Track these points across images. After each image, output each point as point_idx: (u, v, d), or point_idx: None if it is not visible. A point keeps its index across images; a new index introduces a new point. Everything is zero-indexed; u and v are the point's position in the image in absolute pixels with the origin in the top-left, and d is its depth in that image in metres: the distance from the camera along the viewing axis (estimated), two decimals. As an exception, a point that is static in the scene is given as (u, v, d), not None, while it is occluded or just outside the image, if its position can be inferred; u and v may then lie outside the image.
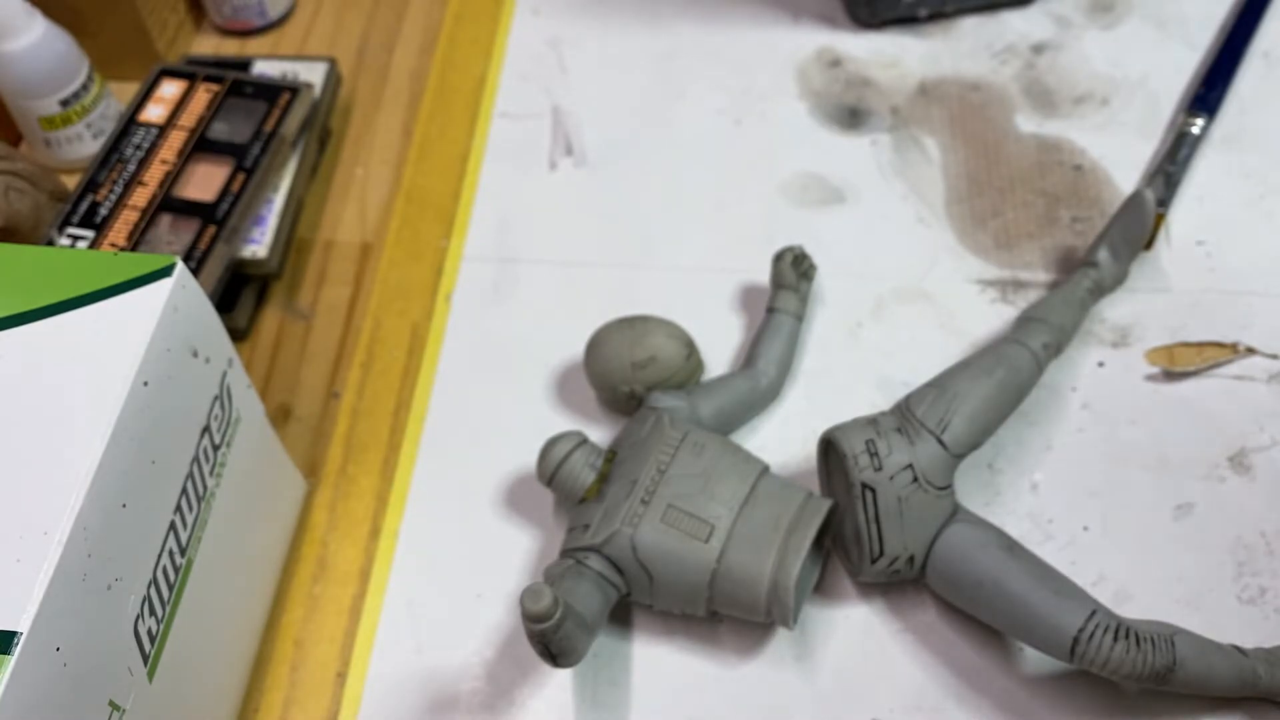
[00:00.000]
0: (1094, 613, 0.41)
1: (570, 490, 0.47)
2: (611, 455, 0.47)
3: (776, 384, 0.52)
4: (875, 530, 0.44)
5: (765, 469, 0.46)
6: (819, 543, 0.46)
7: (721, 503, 0.44)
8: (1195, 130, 0.60)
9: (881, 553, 0.44)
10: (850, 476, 0.44)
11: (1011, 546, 0.44)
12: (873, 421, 0.46)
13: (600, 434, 0.51)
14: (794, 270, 0.53)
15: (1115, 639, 0.40)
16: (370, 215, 0.61)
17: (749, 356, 0.52)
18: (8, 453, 0.33)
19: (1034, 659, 0.45)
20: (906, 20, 0.67)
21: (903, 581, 0.46)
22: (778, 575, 0.43)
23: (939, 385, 0.47)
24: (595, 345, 0.51)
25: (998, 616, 0.43)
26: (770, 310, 0.53)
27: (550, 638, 0.39)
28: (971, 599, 0.44)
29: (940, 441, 0.45)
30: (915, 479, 0.44)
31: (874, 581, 0.46)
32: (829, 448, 0.47)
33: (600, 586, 0.44)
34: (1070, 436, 0.51)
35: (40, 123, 0.60)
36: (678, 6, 0.70)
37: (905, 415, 0.46)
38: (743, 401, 0.51)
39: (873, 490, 0.44)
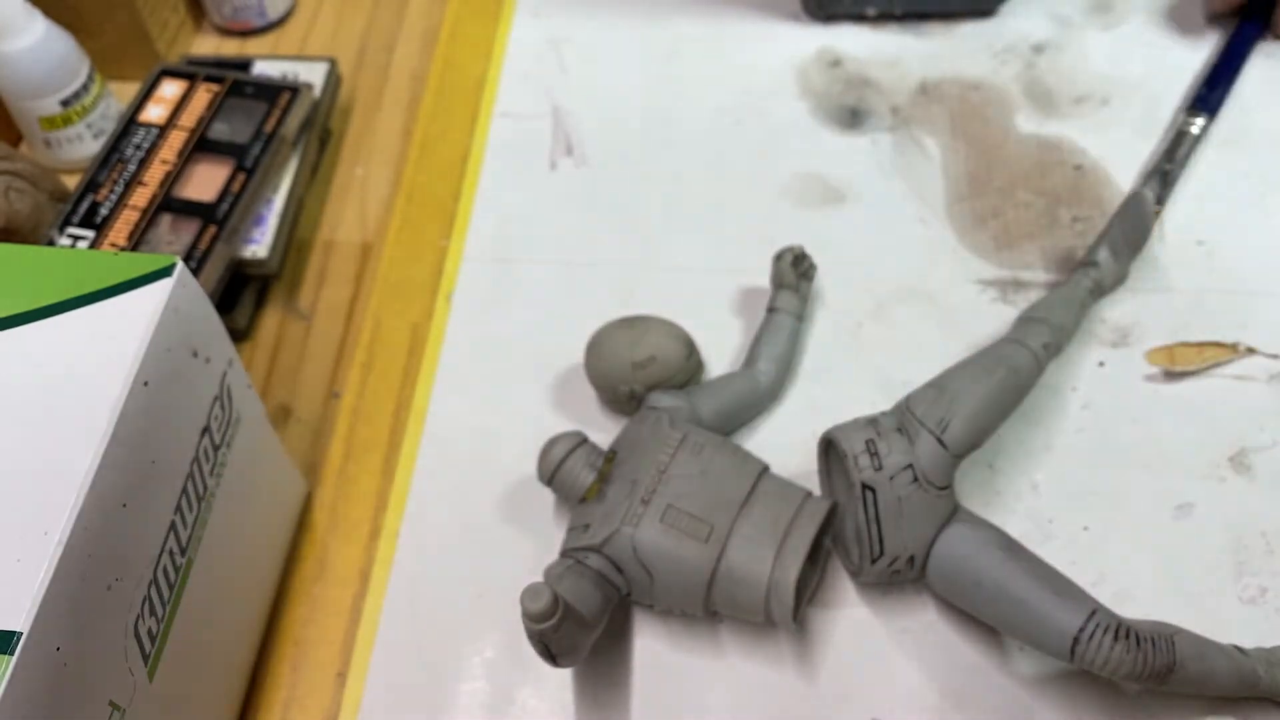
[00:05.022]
0: (1094, 613, 0.41)
1: (570, 490, 0.47)
2: (611, 455, 0.47)
3: (776, 384, 0.52)
4: (875, 530, 0.44)
5: (765, 469, 0.46)
6: (819, 543, 0.46)
7: (721, 503, 0.44)
8: (1195, 130, 0.60)
9: (881, 553, 0.44)
10: (850, 476, 0.44)
11: (1011, 546, 0.44)
12: (873, 421, 0.46)
13: (600, 434, 0.51)
14: (794, 270, 0.53)
15: (1115, 639, 0.40)
16: (370, 215, 0.61)
17: (749, 356, 0.52)
18: (8, 453, 0.33)
19: (1034, 659, 0.45)
20: (855, 16, 0.68)
21: (903, 581, 0.46)
22: (778, 575, 0.43)
23: (939, 385, 0.47)
24: (595, 345, 0.51)
25: (998, 616, 0.43)
26: (770, 310, 0.53)
27: (550, 638, 0.39)
28: (971, 599, 0.44)
29: (940, 441, 0.45)
30: (915, 479, 0.44)
31: (874, 581, 0.46)
32: (829, 448, 0.47)
33: (600, 586, 0.44)
34: (1070, 436, 0.51)
35: (40, 123, 0.60)
36: (678, 6, 0.70)
37: (905, 415, 0.46)
38: (743, 401, 0.51)
39: (873, 490, 0.44)
